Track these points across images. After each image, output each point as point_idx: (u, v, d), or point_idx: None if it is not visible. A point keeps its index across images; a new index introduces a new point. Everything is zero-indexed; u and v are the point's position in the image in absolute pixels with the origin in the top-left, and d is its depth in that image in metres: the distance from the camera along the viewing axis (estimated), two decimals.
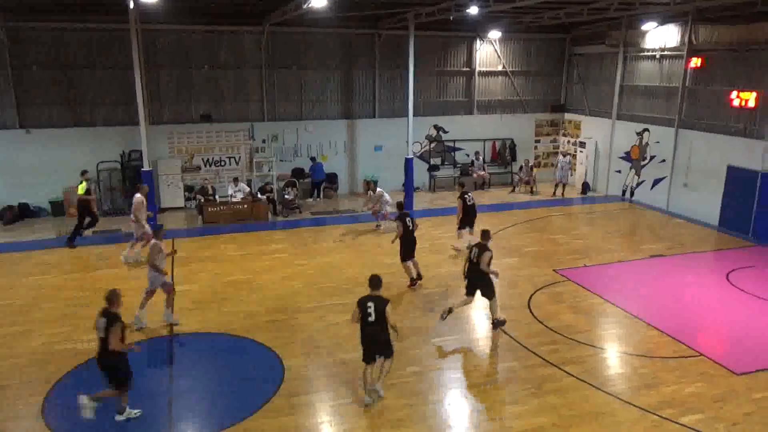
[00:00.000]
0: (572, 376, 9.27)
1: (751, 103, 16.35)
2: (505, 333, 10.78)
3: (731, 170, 17.19)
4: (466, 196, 14.97)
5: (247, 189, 19.10)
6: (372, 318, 8.26)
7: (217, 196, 18.75)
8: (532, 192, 22.36)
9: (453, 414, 8.42)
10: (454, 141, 23.27)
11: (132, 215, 14.18)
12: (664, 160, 19.71)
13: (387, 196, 17.45)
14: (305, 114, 21.27)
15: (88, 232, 16.13)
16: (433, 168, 23.23)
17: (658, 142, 19.93)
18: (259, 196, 19.12)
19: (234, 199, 18.42)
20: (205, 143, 20.08)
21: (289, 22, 18.28)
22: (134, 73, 16.16)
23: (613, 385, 9.07)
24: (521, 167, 23.07)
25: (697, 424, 8.05)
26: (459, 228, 15.11)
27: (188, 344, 10.39)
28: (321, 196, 21.17)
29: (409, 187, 19.99)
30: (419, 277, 12.95)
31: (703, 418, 8.19)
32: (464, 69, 23.14)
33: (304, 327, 11.04)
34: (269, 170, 20.53)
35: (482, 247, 10.54)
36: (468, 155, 23.49)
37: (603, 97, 22.51)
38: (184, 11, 18.10)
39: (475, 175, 22.99)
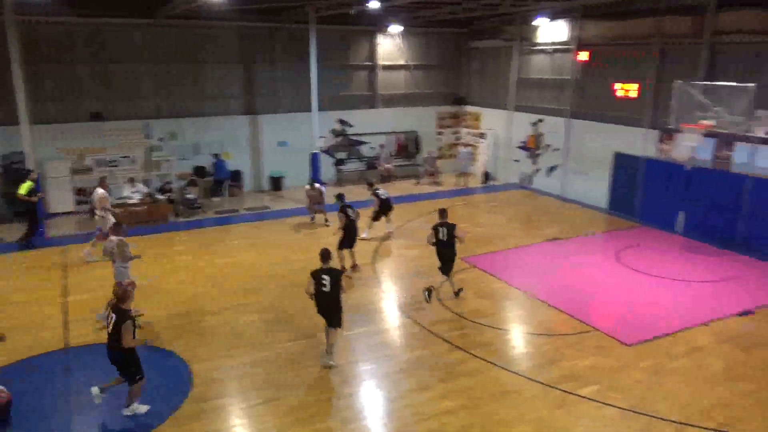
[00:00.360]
0: (480, 358, 9.58)
1: (633, 94, 17.56)
2: (415, 322, 10.97)
3: (618, 157, 18.41)
4: (378, 191, 15.76)
5: (145, 189, 18.21)
6: (327, 288, 9.03)
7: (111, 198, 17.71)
8: (436, 183, 22.88)
9: (366, 405, 8.47)
10: (359, 135, 23.34)
11: (98, 211, 14.14)
12: (558, 149, 20.79)
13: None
14: (205, 110, 20.54)
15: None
16: (339, 162, 23.20)
17: (552, 132, 20.99)
18: (158, 196, 18.27)
19: (131, 201, 17.49)
20: (97, 143, 18.87)
21: (184, 14, 17.54)
22: (12, 69, 14.96)
23: (518, 364, 9.48)
24: (425, 159, 23.56)
25: (594, 394, 8.57)
26: (373, 219, 15.88)
27: (86, 356, 9.72)
28: (226, 194, 20.56)
29: (316, 182, 19.81)
30: (354, 266, 13.45)
31: (600, 388, 8.73)
32: (367, 63, 23.25)
33: (211, 330, 10.70)
34: (169, 169, 19.67)
35: (450, 226, 11.56)
36: (373, 149, 23.65)
37: (500, 90, 23.39)
38: (67, 2, 16.90)
39: (380, 168, 23.21)
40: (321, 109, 20.15)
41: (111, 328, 7.69)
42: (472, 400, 8.43)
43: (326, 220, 17.26)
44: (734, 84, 13.82)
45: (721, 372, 9.23)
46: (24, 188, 14.77)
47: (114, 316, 7.71)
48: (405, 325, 10.96)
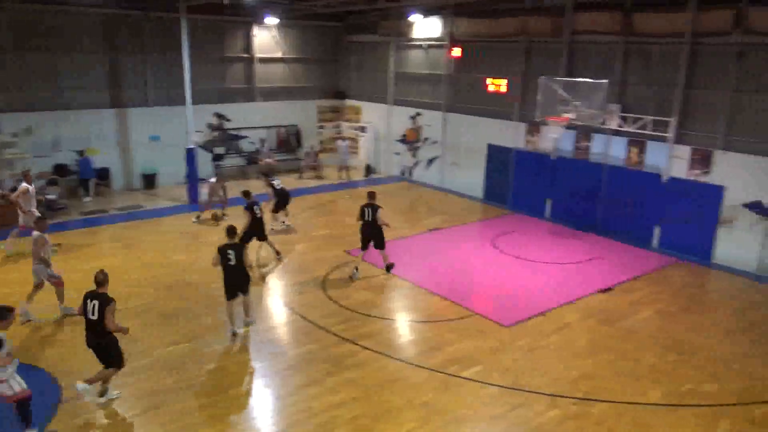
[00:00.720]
0: (368, 349, 9.71)
1: (503, 89, 18.55)
2: (302, 317, 10.90)
3: (491, 148, 19.41)
4: (273, 182, 16.06)
5: None
6: (232, 262, 9.89)
7: None
8: (319, 177, 22.81)
9: (255, 404, 8.29)
10: (238, 129, 22.68)
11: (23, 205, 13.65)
12: (435, 142, 21.50)
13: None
14: (65, 103, 18.94)
15: None
16: (217, 158, 22.39)
17: (429, 125, 21.66)
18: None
19: None
20: None
21: None
22: None
23: (404, 352, 9.72)
24: (307, 153, 23.39)
25: (477, 375, 9.00)
26: (274, 212, 15.89)
27: None
28: (92, 193, 19.11)
29: (192, 179, 19.01)
30: (278, 253, 13.74)
31: (482, 369, 9.18)
32: (243, 55, 22.61)
33: (80, 340, 9.84)
34: (24, 168, 17.89)
35: (374, 207, 12.63)
36: (253, 143, 23.08)
37: (379, 84, 23.74)
38: None
39: (261, 162, 22.72)
40: (196, 102, 19.31)
41: (96, 314, 7.86)
42: (361, 391, 8.53)
43: (223, 215, 17.06)
44: (590, 80, 15.05)
45: (586, 345, 10.05)
46: None
47: (96, 302, 7.92)
48: (292, 321, 10.86)
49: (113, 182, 20.03)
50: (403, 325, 10.88)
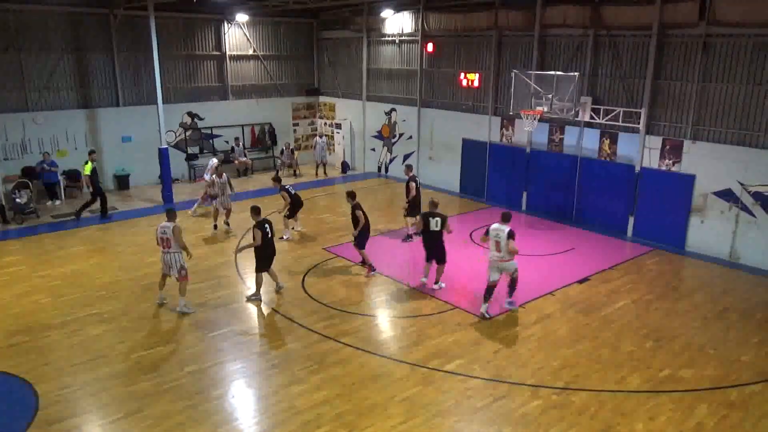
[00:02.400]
0: (350, 346, 9.69)
1: (476, 83, 18.66)
2: (283, 316, 10.83)
3: (466, 143, 19.50)
4: (287, 188, 15.01)
5: None
6: (270, 234, 10.90)
7: None
8: (295, 174, 22.65)
9: (238, 406, 8.22)
10: (211, 128, 22.41)
11: None
12: (411, 137, 21.53)
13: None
14: (32, 104, 18.50)
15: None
16: (191, 157, 22.11)
17: (404, 121, 21.68)
18: None
19: None
20: None
21: None
22: None
23: (386, 348, 9.72)
24: (282, 151, 23.23)
25: (458, 368, 9.05)
26: (288, 218, 15.09)
27: None
28: (63, 196, 18.69)
29: (166, 179, 18.75)
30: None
31: (463, 362, 9.23)
32: (215, 53, 22.33)
33: (55, 345, 9.72)
34: None
35: (443, 217, 11.67)
36: (227, 142, 22.84)
37: (353, 80, 23.67)
38: None
39: (236, 162, 22.50)
40: (167, 101, 19.06)
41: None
42: (344, 388, 8.51)
43: (226, 224, 15.89)
44: (561, 73, 15.20)
45: (566, 335, 10.17)
46: (87, 168, 16.50)
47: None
48: (273, 321, 10.78)
49: (85, 184, 19.61)
50: (384, 321, 10.88)
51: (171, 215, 10.82)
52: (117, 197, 19.28)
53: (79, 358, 9.29)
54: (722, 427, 7.72)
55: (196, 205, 17.36)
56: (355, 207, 12.62)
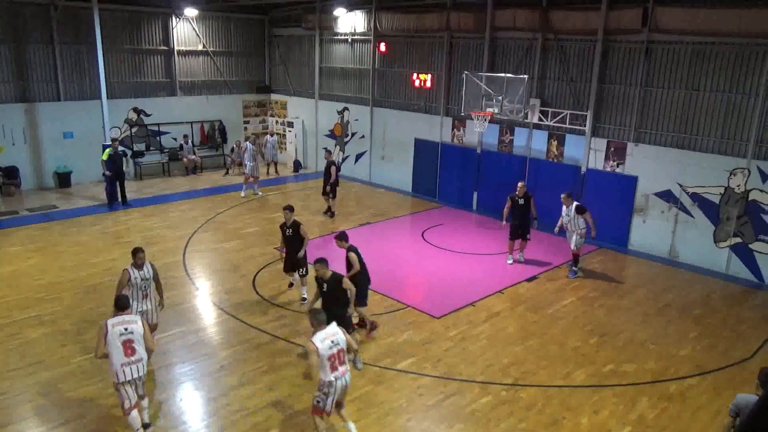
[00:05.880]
0: (301, 346, 9.59)
1: (429, 84, 18.80)
2: (233, 317, 10.66)
3: (418, 142, 19.63)
4: (334, 161, 17.02)
5: None
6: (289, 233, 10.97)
7: None
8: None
9: (186, 408, 8.03)
10: (158, 125, 21.83)
11: None
12: (363, 136, 21.52)
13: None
14: None
15: None
16: (137, 154, 21.48)
17: (357, 120, 21.65)
18: None
19: None
20: None
21: None
22: None
23: None
24: (233, 149, 22.83)
25: (410, 367, 9.10)
26: (332, 195, 16.98)
27: None
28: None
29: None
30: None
31: (415, 360, 9.30)
32: (162, 47, 21.76)
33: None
34: None
35: (528, 195, 13.47)
36: (176, 139, 22.30)
37: (305, 78, 23.49)
38: None
39: (185, 159, 22.00)
40: (112, 96, 18.46)
41: None
42: (295, 389, 8.44)
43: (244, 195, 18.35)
44: (511, 75, 15.49)
45: (515, 333, 10.38)
46: (105, 155, 17.12)
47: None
48: (223, 321, 10.59)
49: (23, 181, 18.80)
50: None
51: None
52: (58, 195, 18.55)
53: (17, 363, 8.90)
54: (662, 419, 8.04)
55: (244, 188, 18.93)
56: (349, 249, 10.08)
